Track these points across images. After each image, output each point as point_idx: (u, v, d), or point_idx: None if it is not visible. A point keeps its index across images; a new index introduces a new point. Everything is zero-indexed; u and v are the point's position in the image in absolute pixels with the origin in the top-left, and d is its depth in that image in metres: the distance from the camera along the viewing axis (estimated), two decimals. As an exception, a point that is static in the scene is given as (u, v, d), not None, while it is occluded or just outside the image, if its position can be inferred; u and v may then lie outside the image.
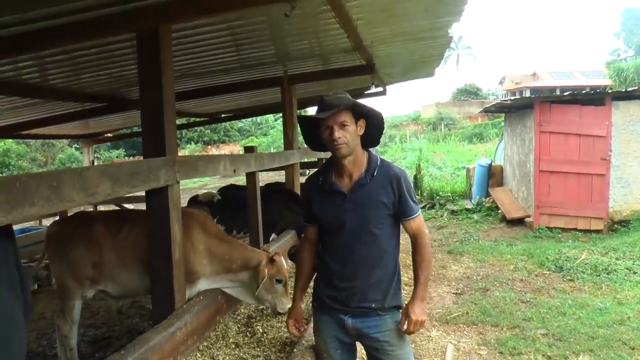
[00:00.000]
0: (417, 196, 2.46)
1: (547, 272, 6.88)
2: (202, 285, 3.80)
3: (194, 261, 3.72)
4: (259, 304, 3.99)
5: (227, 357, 3.43)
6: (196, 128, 33.09)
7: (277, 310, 3.84)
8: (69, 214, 5.21)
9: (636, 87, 9.61)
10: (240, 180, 9.85)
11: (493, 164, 13.01)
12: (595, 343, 4.56)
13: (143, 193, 3.30)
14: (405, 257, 3.80)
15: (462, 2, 4.28)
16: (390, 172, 2.40)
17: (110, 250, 3.72)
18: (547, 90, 32.36)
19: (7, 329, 1.68)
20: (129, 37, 3.85)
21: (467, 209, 11.98)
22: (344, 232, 2.39)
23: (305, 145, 2.97)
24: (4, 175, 24.16)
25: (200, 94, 7.12)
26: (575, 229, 9.39)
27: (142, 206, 3.77)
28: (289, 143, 7.12)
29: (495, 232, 10.00)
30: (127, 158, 34.10)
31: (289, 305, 3.71)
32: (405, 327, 2.42)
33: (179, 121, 10.26)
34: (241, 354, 3.48)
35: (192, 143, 38.79)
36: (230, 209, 6.51)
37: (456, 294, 6.17)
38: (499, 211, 11.02)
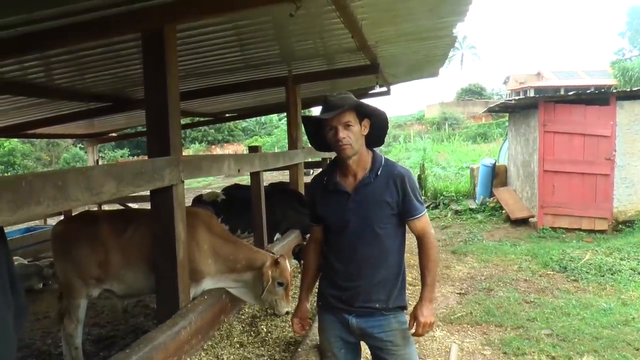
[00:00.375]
0: (421, 196, 2.45)
1: (551, 273, 6.86)
2: (207, 284, 3.81)
3: (199, 260, 3.73)
4: (260, 304, 4.00)
5: (232, 357, 3.44)
6: (200, 128, 33.13)
7: (274, 313, 3.85)
8: (73, 214, 5.23)
9: (641, 87, 9.57)
10: (245, 179, 9.85)
11: (497, 163, 12.98)
12: (599, 344, 4.55)
13: (148, 192, 3.31)
14: (409, 257, 3.80)
15: (467, 2, 4.28)
16: (395, 171, 2.40)
17: (116, 250, 3.73)
18: (551, 90, 32.26)
19: None
20: (134, 37, 3.86)
21: (471, 209, 11.96)
22: (348, 231, 2.39)
23: (310, 145, 2.97)
24: (9, 174, 24.25)
25: (205, 94, 7.14)
26: (580, 229, 9.36)
27: (147, 205, 3.79)
28: (293, 143, 7.13)
29: (499, 232, 9.98)
30: (131, 158, 34.20)
31: (287, 309, 3.72)
32: (414, 329, 2.42)
33: (183, 121, 10.27)
34: (245, 354, 3.49)
35: (197, 143, 38.87)
36: (235, 208, 6.52)
37: (460, 294, 6.16)
38: (503, 211, 10.99)
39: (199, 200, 6.98)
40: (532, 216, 10.10)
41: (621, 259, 7.11)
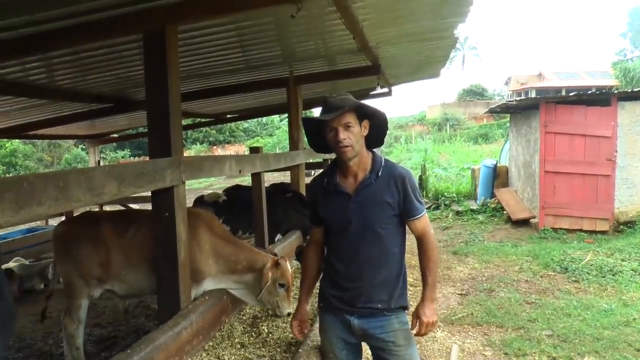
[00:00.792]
0: (422, 197, 2.45)
1: (552, 273, 6.86)
2: (208, 285, 3.82)
3: (200, 261, 3.73)
4: (260, 305, 4.00)
5: (233, 357, 3.44)
6: (202, 128, 33.15)
7: (276, 314, 3.85)
8: (75, 214, 5.24)
9: (642, 88, 9.57)
10: (246, 180, 9.86)
11: (498, 164, 12.98)
12: (600, 344, 4.55)
13: (149, 193, 3.32)
14: (410, 258, 3.81)
15: (468, 3, 4.27)
16: (395, 172, 2.41)
17: (117, 250, 3.74)
18: (552, 91, 32.30)
19: None
20: (135, 38, 3.86)
21: (472, 210, 11.96)
22: (349, 232, 2.40)
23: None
24: (11, 175, 24.28)
25: (206, 95, 7.14)
26: (581, 230, 9.36)
27: (148, 206, 3.79)
28: (294, 143, 7.13)
29: (501, 233, 9.98)
30: (132, 158, 34.21)
31: (289, 311, 3.72)
32: (416, 329, 2.42)
33: (184, 121, 10.28)
34: (247, 354, 3.49)
35: (198, 143, 38.88)
36: (236, 209, 6.52)
37: (461, 294, 6.16)
38: (504, 212, 10.99)
39: (200, 201, 6.98)
40: (533, 217, 10.10)
41: (622, 260, 7.11)
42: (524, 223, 10.29)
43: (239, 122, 35.16)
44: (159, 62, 3.23)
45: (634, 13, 46.34)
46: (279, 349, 3.58)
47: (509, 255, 7.88)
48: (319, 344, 2.89)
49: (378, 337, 2.44)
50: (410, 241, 2.53)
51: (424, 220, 2.44)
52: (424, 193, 13.37)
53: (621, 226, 9.22)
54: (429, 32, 5.37)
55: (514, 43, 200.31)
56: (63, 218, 6.13)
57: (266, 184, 5.84)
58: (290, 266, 3.92)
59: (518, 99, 11.54)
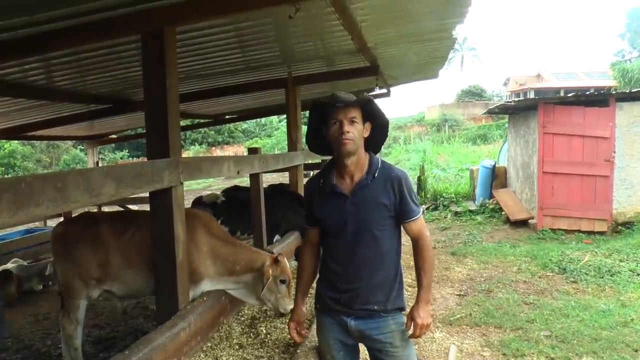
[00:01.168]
0: (420, 198, 2.46)
1: (551, 274, 6.87)
2: (206, 286, 3.81)
3: (198, 262, 3.73)
4: (261, 305, 3.99)
5: (231, 358, 3.45)
6: (200, 129, 33.13)
7: (279, 311, 3.84)
8: (73, 215, 5.24)
9: (641, 89, 9.59)
10: (244, 181, 9.85)
11: (497, 165, 12.99)
12: (598, 345, 4.56)
13: (147, 194, 3.32)
14: (408, 259, 3.82)
15: (466, 4, 4.28)
16: (391, 173, 2.41)
17: (116, 251, 3.74)
18: (551, 92, 32.35)
19: None
20: (134, 39, 3.86)
21: (470, 211, 11.97)
22: (346, 233, 2.40)
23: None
24: (9, 176, 24.26)
25: (205, 96, 7.14)
26: (579, 231, 9.37)
27: (146, 207, 3.79)
28: (293, 144, 7.14)
29: (499, 233, 9.99)
30: (131, 159, 34.20)
31: (291, 306, 3.72)
32: (411, 331, 2.42)
33: (183, 122, 10.29)
34: (245, 355, 3.49)
35: (196, 144, 38.86)
36: (234, 210, 6.52)
37: (459, 295, 6.17)
38: (503, 213, 11.01)
39: (198, 202, 6.98)
40: (532, 217, 10.11)
41: (620, 261, 7.12)
42: (522, 224, 10.30)
43: (237, 123, 35.17)
44: (157, 63, 3.23)
45: (632, 14, 46.45)
46: (277, 350, 3.58)
47: (507, 255, 7.89)
48: (317, 345, 2.89)
49: (375, 339, 2.44)
50: (407, 242, 2.53)
51: (420, 223, 2.44)
52: (423, 194, 13.38)
53: (619, 227, 9.23)
54: (428, 32, 5.38)
55: (513, 44, 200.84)
56: (61, 219, 6.13)
57: (265, 185, 5.85)
58: (290, 266, 3.92)
59: (516, 99, 11.54)
